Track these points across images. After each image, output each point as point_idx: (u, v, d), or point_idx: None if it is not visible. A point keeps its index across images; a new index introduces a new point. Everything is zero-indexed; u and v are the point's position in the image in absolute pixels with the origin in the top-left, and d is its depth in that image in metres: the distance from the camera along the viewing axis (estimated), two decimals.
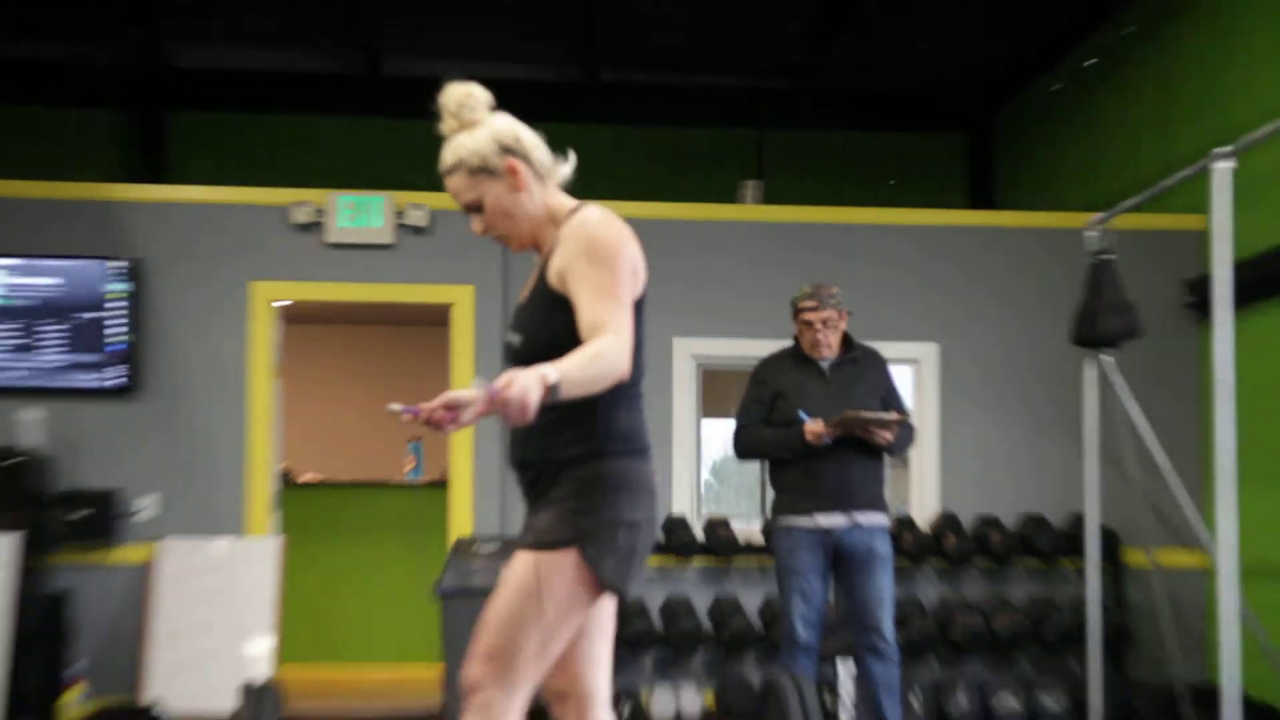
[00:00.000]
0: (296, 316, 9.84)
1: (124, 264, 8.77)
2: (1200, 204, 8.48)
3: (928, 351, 9.21)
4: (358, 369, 12.99)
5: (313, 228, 8.97)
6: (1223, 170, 6.44)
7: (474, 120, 3.42)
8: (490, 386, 2.97)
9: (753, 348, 7.43)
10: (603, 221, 3.35)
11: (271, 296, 9.03)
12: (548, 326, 3.32)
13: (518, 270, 8.96)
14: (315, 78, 11.76)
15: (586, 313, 3.21)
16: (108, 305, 8.75)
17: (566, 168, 3.52)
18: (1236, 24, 8.76)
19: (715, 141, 11.99)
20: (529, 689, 3.33)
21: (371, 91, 11.56)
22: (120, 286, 8.75)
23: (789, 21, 10.56)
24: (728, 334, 9.07)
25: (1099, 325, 7.67)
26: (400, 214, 8.97)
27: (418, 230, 9.01)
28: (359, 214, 8.94)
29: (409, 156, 10.78)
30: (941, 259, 9.36)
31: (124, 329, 8.75)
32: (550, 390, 2.98)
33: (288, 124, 11.79)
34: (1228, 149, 6.51)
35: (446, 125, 3.43)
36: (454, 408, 3.11)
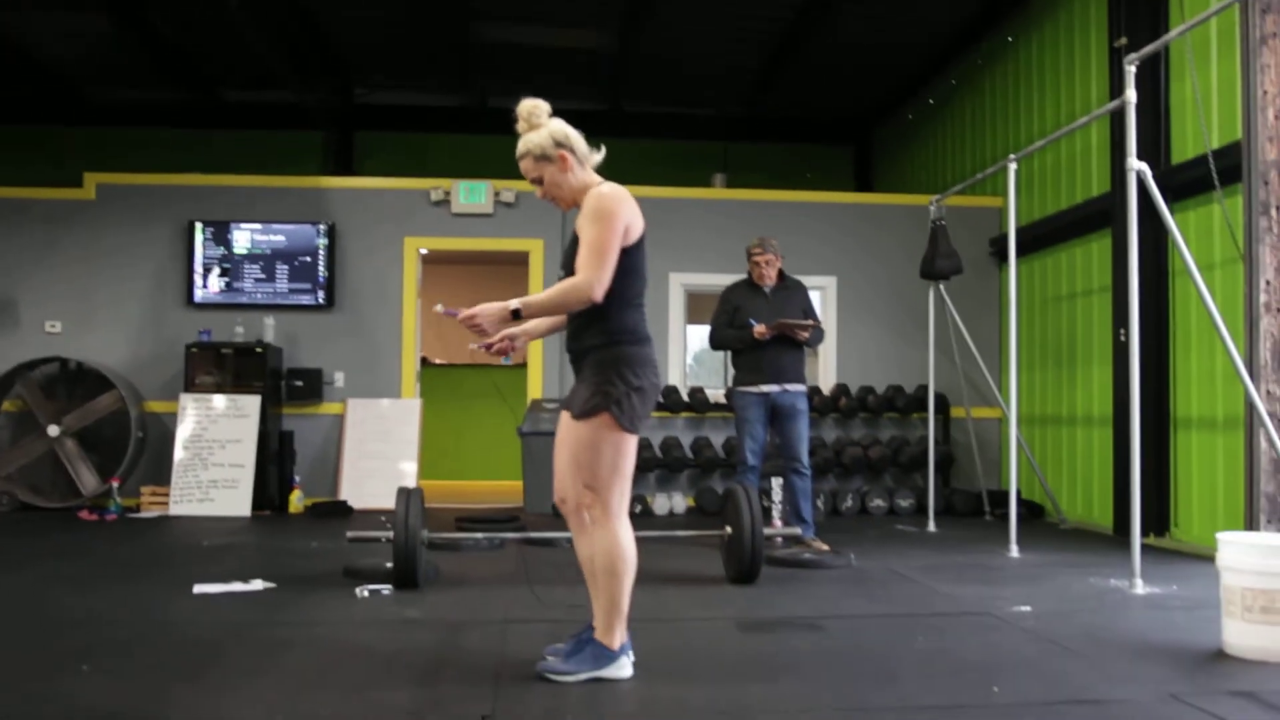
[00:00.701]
0: (431, 260, 9.77)
1: (326, 226, 8.85)
2: (999, 190, 8.71)
3: (830, 282, 9.23)
4: (470, 293, 12.79)
5: (443, 203, 9.03)
6: (1012, 169, 6.57)
7: (539, 123, 3.30)
8: (452, 311, 3.05)
9: (720, 279, 7.33)
10: (608, 194, 3.24)
11: (417, 246, 9.08)
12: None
13: (571, 229, 9.09)
14: (446, 109, 11.61)
15: (579, 257, 3.17)
16: (316, 253, 8.84)
17: (598, 156, 3.37)
18: (1020, 77, 8.74)
19: (697, 149, 11.70)
20: (621, 501, 3.26)
21: (480, 117, 11.40)
22: (323, 241, 8.84)
23: (744, 74, 10.48)
24: (704, 269, 9.02)
25: (936, 266, 7.73)
26: (497, 194, 9.01)
27: (508, 204, 9.05)
28: (471, 194, 8.98)
29: (503, 159, 10.96)
30: (839, 223, 9.35)
31: (325, 267, 8.84)
32: (514, 314, 3.08)
33: (427, 138, 11.66)
34: (1015, 156, 6.65)
35: (520, 126, 3.31)
36: (476, 327, 3.15)
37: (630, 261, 3.26)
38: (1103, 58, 7.40)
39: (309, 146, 11.49)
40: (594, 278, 3.14)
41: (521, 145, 3.32)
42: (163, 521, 7.72)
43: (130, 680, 3.28)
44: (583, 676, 3.21)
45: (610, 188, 3.29)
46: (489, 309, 3.09)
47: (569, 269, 3.29)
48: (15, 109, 11.31)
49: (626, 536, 3.26)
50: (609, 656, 3.24)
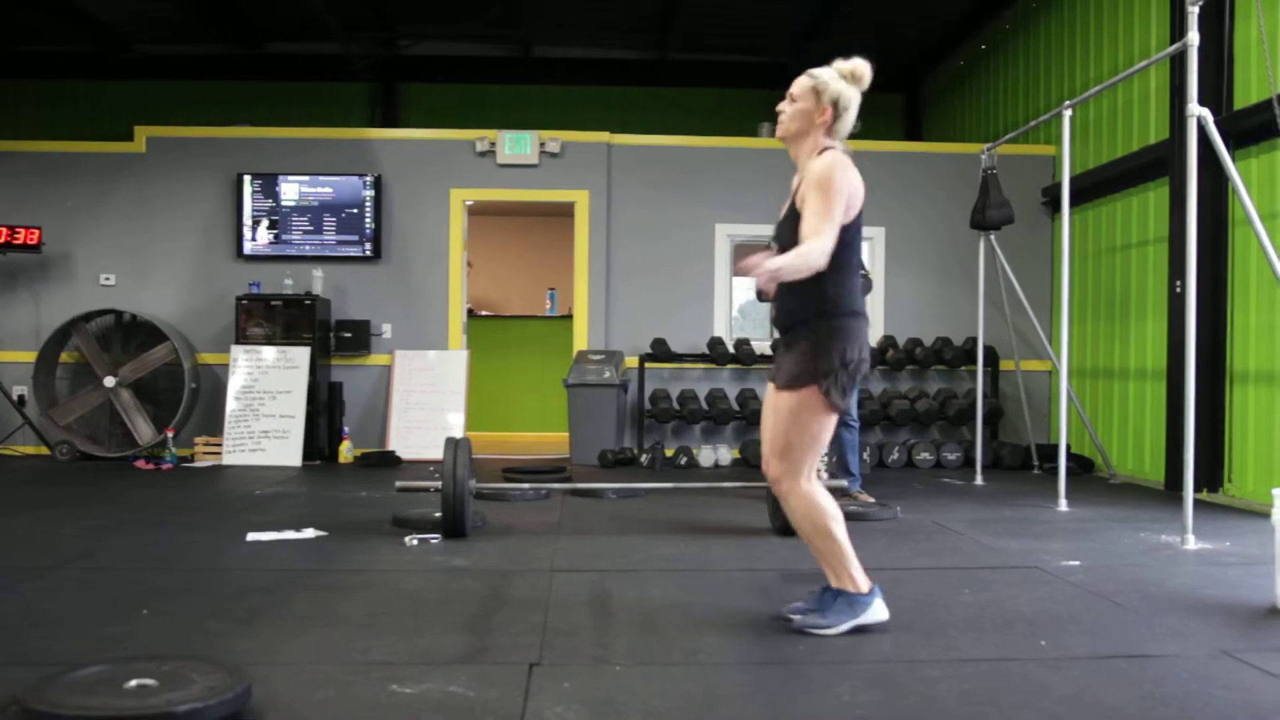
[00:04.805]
0: (477, 210, 9.77)
1: (373, 178, 8.89)
2: (1052, 138, 8.55)
3: (879, 232, 9.15)
4: (515, 243, 12.60)
5: (488, 154, 9.01)
6: (1068, 116, 6.44)
7: (846, 79, 3.41)
8: (751, 270, 3.04)
9: (766, 230, 7.03)
10: (831, 162, 3.26)
11: (463, 198, 9.08)
12: (794, 237, 3.20)
13: (618, 181, 8.96)
14: (490, 59, 11.52)
15: (806, 223, 3.17)
16: (363, 204, 8.89)
17: (847, 131, 3.44)
18: (1077, 21, 8.52)
19: (742, 98, 11.68)
20: (811, 468, 3.31)
21: (525, 67, 11.31)
22: (370, 193, 8.88)
23: (791, 21, 10.34)
24: (750, 220, 8.95)
25: (987, 216, 7.65)
26: (543, 145, 8.93)
27: (553, 155, 8.96)
28: (517, 145, 8.93)
29: (548, 107, 10.95)
30: (888, 173, 9.12)
31: (372, 219, 8.88)
32: (775, 273, 3.07)
33: (473, 89, 11.56)
34: (1070, 102, 6.51)
35: (841, 69, 3.43)
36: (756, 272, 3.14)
37: (847, 235, 3.26)
38: None
39: (354, 98, 11.57)
40: (823, 246, 3.14)
41: (822, 74, 3.44)
42: (216, 471, 7.87)
43: (188, 624, 3.37)
44: (845, 627, 3.27)
45: (832, 156, 3.31)
46: (775, 263, 3.04)
47: (783, 246, 3.27)
48: (65, 64, 11.47)
49: (820, 493, 3.32)
50: (863, 601, 3.30)
